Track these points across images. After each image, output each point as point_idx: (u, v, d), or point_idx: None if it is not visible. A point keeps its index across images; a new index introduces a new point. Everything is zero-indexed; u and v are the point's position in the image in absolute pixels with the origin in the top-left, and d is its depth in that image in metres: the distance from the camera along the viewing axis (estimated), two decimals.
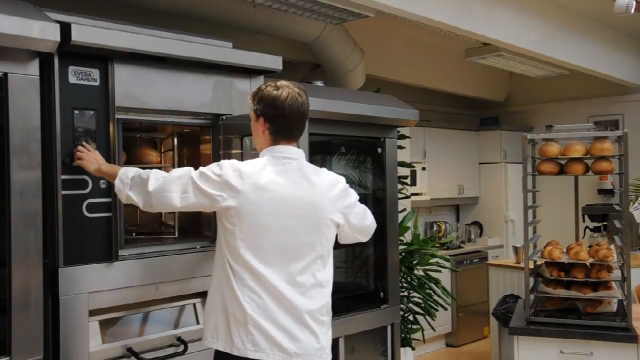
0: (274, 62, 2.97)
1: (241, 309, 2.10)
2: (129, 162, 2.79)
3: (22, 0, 2.25)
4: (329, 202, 2.25)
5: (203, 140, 2.97)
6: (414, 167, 5.52)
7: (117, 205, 2.44)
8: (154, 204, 2.20)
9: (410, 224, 4.79)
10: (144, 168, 2.50)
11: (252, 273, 2.12)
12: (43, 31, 2.14)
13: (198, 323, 2.71)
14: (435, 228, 6.83)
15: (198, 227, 2.94)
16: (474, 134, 7.27)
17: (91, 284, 2.37)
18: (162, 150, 3.22)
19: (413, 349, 4.60)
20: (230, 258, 2.14)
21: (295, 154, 2.24)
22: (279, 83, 2.22)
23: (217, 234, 2.25)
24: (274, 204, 2.14)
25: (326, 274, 2.27)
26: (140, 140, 3.15)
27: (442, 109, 7.21)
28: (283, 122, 2.20)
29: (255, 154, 2.35)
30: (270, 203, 2.13)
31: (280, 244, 2.15)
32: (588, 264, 3.34)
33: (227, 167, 2.14)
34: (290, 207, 2.16)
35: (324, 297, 2.25)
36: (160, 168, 3.03)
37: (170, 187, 2.16)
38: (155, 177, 2.18)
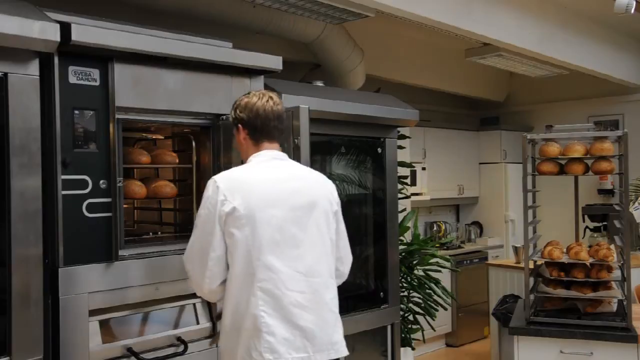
0: (274, 62, 2.97)
1: (254, 319, 2.06)
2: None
3: (22, 0, 2.25)
4: (327, 193, 2.30)
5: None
6: (414, 167, 5.52)
7: (117, 205, 2.44)
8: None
9: (410, 224, 4.79)
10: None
11: (268, 272, 2.08)
12: (43, 31, 2.14)
13: (198, 323, 2.71)
14: (435, 228, 6.83)
15: None
16: (474, 134, 7.26)
17: (91, 284, 2.37)
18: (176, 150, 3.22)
19: (413, 349, 4.60)
20: (239, 265, 2.10)
21: (282, 155, 2.30)
22: (250, 92, 2.32)
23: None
24: (274, 198, 2.15)
25: (333, 264, 2.28)
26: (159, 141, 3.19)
27: (442, 109, 7.21)
28: (259, 123, 2.25)
29: None
30: (271, 197, 2.14)
31: (291, 236, 2.13)
32: (588, 264, 3.34)
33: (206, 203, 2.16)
34: (293, 198, 2.18)
35: (335, 288, 2.26)
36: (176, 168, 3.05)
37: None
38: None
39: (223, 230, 2.10)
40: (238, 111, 2.29)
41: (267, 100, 2.26)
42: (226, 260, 2.13)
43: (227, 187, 2.12)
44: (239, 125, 2.29)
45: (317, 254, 2.19)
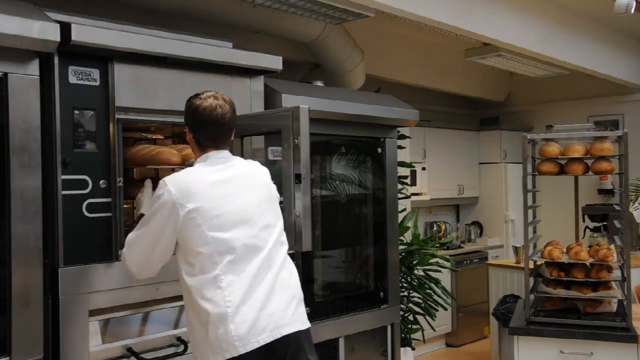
0: (274, 62, 2.97)
1: (220, 311, 2.10)
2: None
3: (22, 0, 2.25)
4: (270, 181, 2.40)
5: None
6: (414, 167, 5.51)
7: (117, 206, 2.44)
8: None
9: (410, 224, 4.78)
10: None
11: (229, 266, 2.14)
12: (43, 31, 2.14)
13: None
14: (435, 228, 6.82)
15: None
16: (474, 134, 7.26)
17: (91, 284, 2.38)
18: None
19: (413, 349, 4.60)
20: (200, 263, 2.15)
21: (229, 155, 2.32)
22: (203, 95, 2.28)
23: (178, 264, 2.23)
24: (228, 197, 2.19)
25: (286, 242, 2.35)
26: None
27: (442, 109, 7.20)
28: (204, 131, 2.26)
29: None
30: (224, 197, 2.19)
31: (249, 230, 2.19)
32: (588, 264, 3.34)
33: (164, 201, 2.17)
34: (245, 194, 2.24)
35: (291, 263, 2.32)
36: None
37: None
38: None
39: (177, 231, 2.14)
40: (188, 114, 2.29)
41: (216, 108, 2.24)
42: (169, 251, 2.19)
43: (181, 190, 2.13)
44: (187, 127, 2.32)
45: (274, 240, 2.25)
